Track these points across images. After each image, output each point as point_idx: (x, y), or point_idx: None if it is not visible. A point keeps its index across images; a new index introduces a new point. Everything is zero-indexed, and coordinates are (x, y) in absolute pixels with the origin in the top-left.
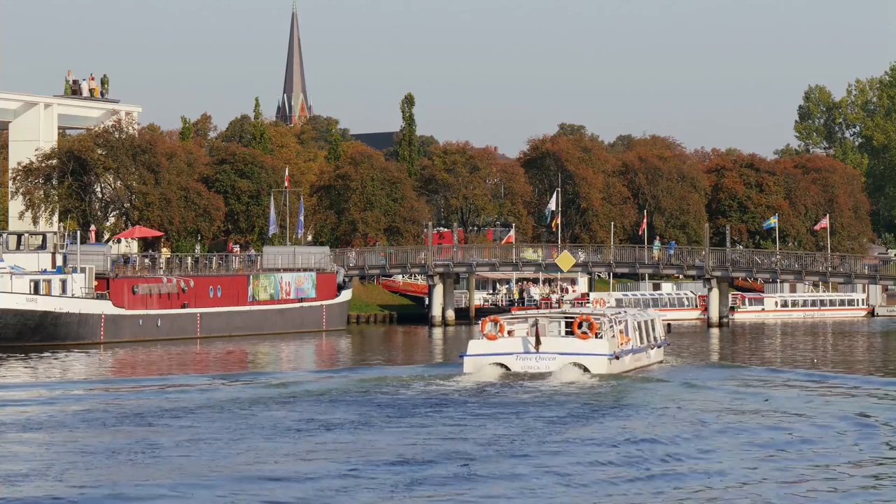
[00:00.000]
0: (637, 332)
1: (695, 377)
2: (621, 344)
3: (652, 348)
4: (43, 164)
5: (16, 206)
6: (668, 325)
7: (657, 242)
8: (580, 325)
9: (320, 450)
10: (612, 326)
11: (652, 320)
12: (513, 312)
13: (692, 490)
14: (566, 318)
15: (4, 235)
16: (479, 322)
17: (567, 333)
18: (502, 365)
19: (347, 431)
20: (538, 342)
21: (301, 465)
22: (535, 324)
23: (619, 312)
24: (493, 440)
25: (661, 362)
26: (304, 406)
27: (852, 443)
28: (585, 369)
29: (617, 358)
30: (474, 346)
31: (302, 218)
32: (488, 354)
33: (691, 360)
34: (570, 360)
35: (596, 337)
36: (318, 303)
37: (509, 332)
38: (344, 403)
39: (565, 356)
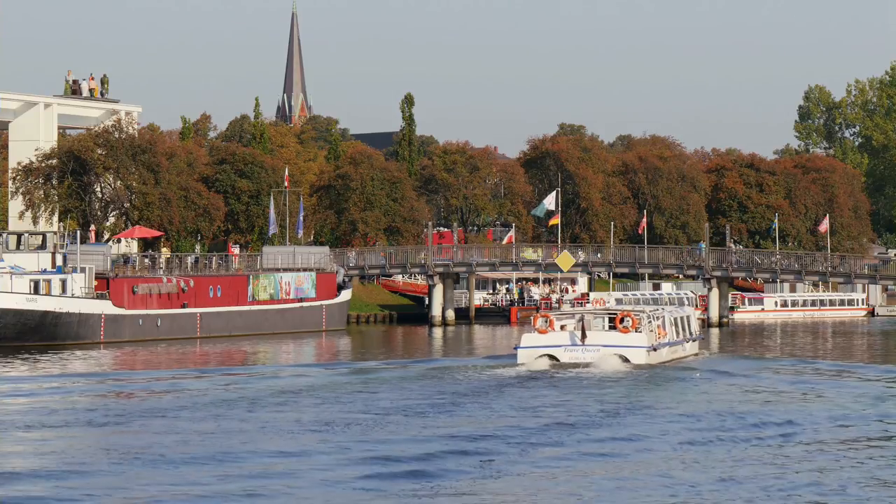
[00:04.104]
0: (673, 327)
1: (730, 367)
2: (659, 337)
3: (687, 342)
4: (43, 164)
5: (16, 206)
6: (703, 320)
7: (702, 244)
8: (622, 321)
9: (455, 418)
10: (650, 322)
11: (688, 317)
12: (560, 309)
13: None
14: (609, 314)
15: (4, 235)
16: (532, 317)
17: (610, 328)
18: (552, 356)
19: (470, 405)
20: (584, 336)
21: (440, 432)
22: (582, 319)
23: (658, 309)
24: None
25: (696, 354)
26: (402, 389)
27: None
28: (626, 360)
29: (655, 350)
30: (527, 339)
31: (302, 218)
32: (539, 347)
33: (721, 353)
34: (613, 351)
35: (636, 331)
36: (317, 303)
37: (560, 327)
38: (440, 384)
39: (608, 348)
